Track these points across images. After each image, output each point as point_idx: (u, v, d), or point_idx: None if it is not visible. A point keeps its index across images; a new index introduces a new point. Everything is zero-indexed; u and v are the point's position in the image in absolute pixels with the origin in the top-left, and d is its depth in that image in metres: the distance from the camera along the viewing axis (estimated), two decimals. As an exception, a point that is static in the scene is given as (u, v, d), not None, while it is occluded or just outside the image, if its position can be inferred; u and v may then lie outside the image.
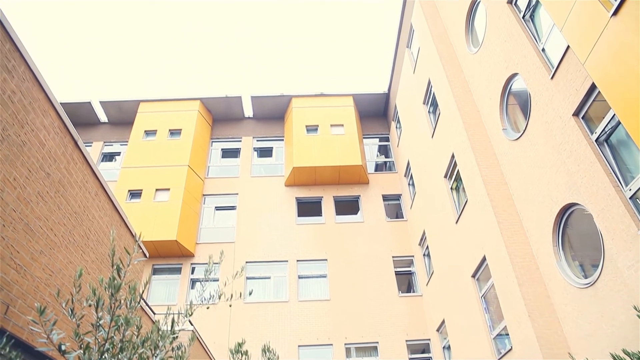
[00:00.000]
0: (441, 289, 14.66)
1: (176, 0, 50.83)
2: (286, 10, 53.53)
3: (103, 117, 22.53)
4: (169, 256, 17.78)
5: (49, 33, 51.05)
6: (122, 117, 22.32)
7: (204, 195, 19.91)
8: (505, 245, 9.86)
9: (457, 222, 12.87)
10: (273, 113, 22.62)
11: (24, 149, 4.48)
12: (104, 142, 21.86)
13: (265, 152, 21.90)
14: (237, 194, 19.91)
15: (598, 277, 7.44)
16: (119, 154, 21.65)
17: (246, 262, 17.64)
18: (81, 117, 21.93)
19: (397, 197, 19.98)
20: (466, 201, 12.12)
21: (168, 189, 18.57)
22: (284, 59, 56.27)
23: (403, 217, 19.19)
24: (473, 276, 11.88)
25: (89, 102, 21.70)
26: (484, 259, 11.19)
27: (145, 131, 20.81)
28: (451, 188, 13.61)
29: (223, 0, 51.63)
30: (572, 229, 8.64)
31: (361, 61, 57.35)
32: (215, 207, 19.69)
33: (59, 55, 51.81)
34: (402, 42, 18.53)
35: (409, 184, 18.97)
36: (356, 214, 19.59)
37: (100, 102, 21.74)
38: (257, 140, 22.08)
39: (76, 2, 49.04)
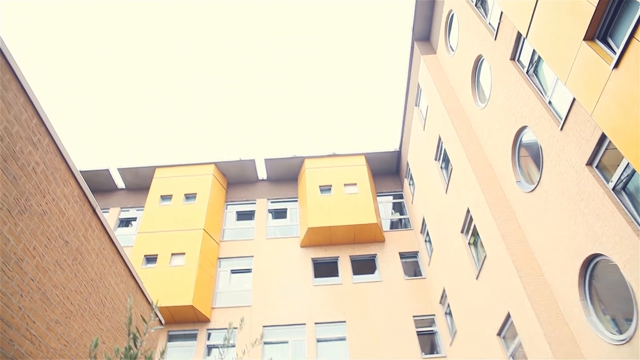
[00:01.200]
0: (466, 349, 14.03)
1: (185, 65, 53.27)
2: (293, 69, 55.60)
3: (120, 184, 23.02)
4: (184, 322, 17.45)
5: (67, 99, 53.46)
6: (139, 183, 22.78)
7: (219, 258, 19.83)
8: (530, 300, 9.51)
9: (477, 278, 12.53)
10: (286, 174, 22.92)
11: (44, 218, 4.57)
12: (121, 208, 22.20)
13: (279, 214, 21.97)
14: (252, 256, 19.79)
15: (634, 332, 7.08)
16: (135, 219, 21.90)
17: (263, 326, 17.21)
18: (99, 184, 22.45)
19: (414, 254, 19.66)
20: (485, 256, 11.87)
21: (183, 253, 18.55)
22: (294, 119, 57.71)
23: (421, 275, 18.77)
24: (499, 334, 11.39)
25: (107, 170, 22.28)
26: (508, 316, 10.77)
27: (161, 196, 21.14)
28: (469, 243, 13.39)
29: (231, 64, 53.95)
30: (599, 281, 8.35)
31: (371, 118, 58.58)
32: (231, 270, 19.53)
33: (77, 121, 53.91)
34: (411, 100, 19.00)
35: (425, 241, 18.72)
36: (373, 273, 19.23)
37: (118, 169, 22.31)
38: (272, 202, 22.23)
39: (89, 70, 51.67)
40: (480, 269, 12.27)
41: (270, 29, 53.11)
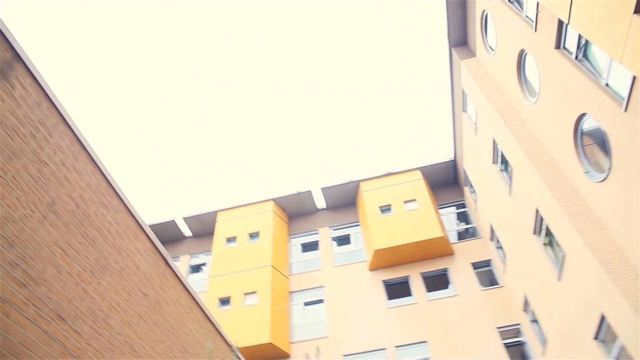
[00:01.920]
0: (561, 357, 13.10)
1: (223, 104, 55.18)
2: (329, 90, 56.16)
3: (187, 232, 23.96)
4: (264, 359, 17.59)
5: (123, 155, 56.72)
6: (204, 229, 23.60)
7: (291, 292, 19.96)
8: (624, 296, 8.81)
9: (559, 280, 11.80)
10: (344, 200, 22.96)
11: (122, 274, 4.84)
12: (190, 255, 23.02)
13: (343, 240, 21.93)
14: (322, 286, 19.77)
15: None
16: (204, 264, 22.61)
17: (343, 355, 17.00)
18: (167, 234, 23.47)
19: (487, 263, 18.87)
20: (563, 255, 11.19)
21: (255, 292, 18.85)
22: (342, 142, 57.93)
23: (498, 284, 17.92)
24: (595, 338, 10.57)
25: (173, 220, 23.30)
26: (602, 318, 10.00)
27: (226, 238, 21.75)
28: (544, 244, 12.70)
29: (267, 94, 55.32)
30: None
31: (418, 131, 57.74)
32: (304, 303, 19.58)
33: (137, 175, 56.94)
34: (457, 107, 18.64)
35: (497, 248, 17.95)
36: (447, 287, 18.60)
37: (183, 218, 23.28)
38: (334, 230, 22.27)
39: (135, 125, 54.74)
40: (560, 270, 11.57)
41: (297, 54, 54.32)
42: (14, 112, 3.77)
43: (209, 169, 57.85)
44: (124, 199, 5.26)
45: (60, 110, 4.40)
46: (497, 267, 18.29)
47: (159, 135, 55.08)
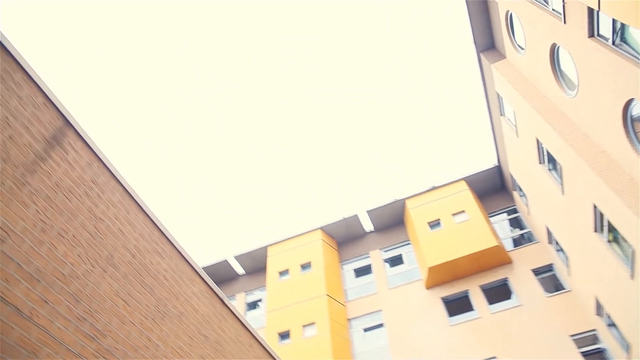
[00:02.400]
0: (647, 361, 12.17)
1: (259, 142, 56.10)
2: (359, 111, 56.20)
3: (240, 270, 24.27)
4: (331, 392, 17.27)
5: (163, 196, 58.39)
6: (256, 265, 23.85)
7: (349, 319, 19.69)
8: None
9: (632, 277, 11.07)
10: (392, 220, 22.70)
11: (182, 318, 4.95)
12: (245, 292, 23.24)
13: (396, 261, 21.57)
14: (380, 310, 19.41)
15: None
16: (260, 300, 22.74)
17: (410, 380, 16.48)
18: (221, 274, 23.85)
19: (549, 267, 17.99)
20: (633, 251, 10.52)
21: (314, 323, 18.72)
22: (381, 161, 57.57)
23: (564, 288, 17.00)
24: (681, 336, 9.79)
25: (225, 260, 23.68)
26: (685, 312, 9.27)
27: (279, 272, 21.86)
28: (608, 241, 12.01)
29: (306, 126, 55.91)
30: None
31: (455, 140, 56.67)
32: (363, 329, 19.25)
33: (183, 218, 58.42)
34: (494, 111, 18.25)
35: (557, 251, 17.11)
36: (510, 298, 17.81)
37: (235, 257, 23.63)
38: (385, 251, 21.97)
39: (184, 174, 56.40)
40: (632, 267, 10.86)
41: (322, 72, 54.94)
42: (69, 174, 4.01)
43: (253, 204, 58.80)
44: (176, 245, 5.42)
45: (110, 168, 4.64)
46: (560, 271, 17.40)
47: (199, 177, 56.73)
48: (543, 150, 14.59)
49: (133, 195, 4.89)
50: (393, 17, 50.65)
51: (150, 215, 5.08)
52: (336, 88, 54.73)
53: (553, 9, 11.40)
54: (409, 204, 21.71)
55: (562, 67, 12.23)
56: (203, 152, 56.04)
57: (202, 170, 56.65)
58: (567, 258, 16.17)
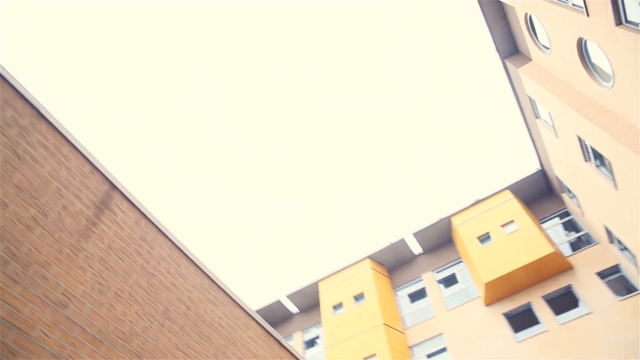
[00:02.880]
0: None
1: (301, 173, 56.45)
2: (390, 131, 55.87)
3: (293, 309, 24.14)
4: None
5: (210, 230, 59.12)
6: (308, 302, 23.68)
7: (410, 347, 19.09)
8: None
9: None
10: (440, 239, 22.20)
11: (242, 364, 4.94)
12: (302, 331, 23.01)
13: (450, 281, 20.94)
14: (441, 334, 18.74)
15: None
16: (317, 337, 22.44)
17: (484, 405, 15.65)
18: (275, 315, 23.79)
19: (615, 269, 16.96)
20: None
21: (374, 355, 18.25)
22: (421, 182, 56.78)
23: (637, 290, 15.92)
24: None
25: (278, 300, 23.65)
26: None
27: (332, 307, 21.60)
28: (675, 232, 11.27)
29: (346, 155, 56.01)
30: None
31: (493, 148, 55.35)
32: (427, 355, 18.58)
33: (230, 261, 58.89)
34: (529, 115, 17.82)
35: (620, 250, 16.16)
36: (577, 306, 16.83)
37: (287, 296, 23.57)
38: (437, 272, 21.40)
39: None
40: None
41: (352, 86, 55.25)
42: (119, 235, 4.17)
43: (297, 240, 58.92)
44: (228, 292, 5.48)
45: (156, 224, 4.80)
46: (628, 271, 16.37)
47: (239, 221, 57.53)
48: (587, 148, 14.05)
49: (181, 248, 5.02)
50: (416, 33, 51.01)
51: (199, 265, 5.18)
52: (368, 109, 55.04)
53: (573, 4, 11.21)
54: (455, 220, 21.21)
55: (593, 59, 11.89)
56: (236, 198, 57.07)
57: (242, 214, 57.54)
58: (634, 257, 15.24)
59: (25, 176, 3.44)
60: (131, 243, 4.28)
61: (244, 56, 51.08)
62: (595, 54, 11.54)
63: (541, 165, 20.01)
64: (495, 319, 17.84)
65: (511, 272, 17.59)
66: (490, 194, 21.18)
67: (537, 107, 16.68)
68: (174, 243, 4.95)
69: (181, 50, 50.58)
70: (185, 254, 5.05)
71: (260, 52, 51.14)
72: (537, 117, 17.22)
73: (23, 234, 3.21)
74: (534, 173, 20.60)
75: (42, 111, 3.88)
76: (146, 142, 53.50)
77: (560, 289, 17.40)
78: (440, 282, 21.03)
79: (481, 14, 15.86)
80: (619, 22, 9.69)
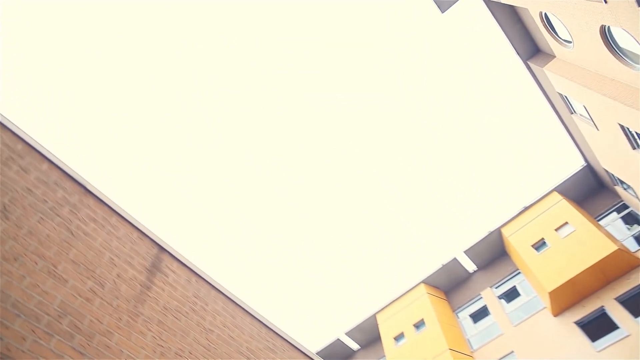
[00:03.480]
0: None
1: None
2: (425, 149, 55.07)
3: (354, 345, 23.59)
4: None
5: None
6: (368, 336, 23.12)
7: (481, 371, 18.20)
8: None
9: None
10: (493, 253, 21.44)
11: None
12: (368, 368, 22.39)
13: (511, 295, 20.04)
14: (512, 352, 17.79)
15: None
16: (384, 372, 21.76)
17: None
18: (336, 354, 23.30)
19: (690, 256, 15.83)
20: None
21: (445, 383, 17.49)
22: (462, 198, 55.47)
23: None
24: None
25: (338, 339, 23.20)
26: None
27: (394, 338, 20.99)
28: None
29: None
30: None
31: (529, 152, 53.69)
32: (500, 377, 17.65)
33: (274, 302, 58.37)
34: (563, 113, 17.32)
35: (691, 236, 15.12)
36: (657, 303, 15.70)
37: (345, 333, 23.11)
38: (496, 288, 20.56)
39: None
40: None
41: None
42: (173, 295, 4.25)
43: (348, 275, 58.20)
44: (286, 338, 5.44)
45: (207, 279, 4.87)
46: None
47: (284, 263, 57.49)
48: (632, 135, 13.46)
49: (235, 300, 5.05)
50: (439, 48, 51.19)
51: (255, 315, 5.19)
52: (403, 129, 54.95)
53: (588, -5, 11.02)
54: (506, 231, 20.48)
55: (621, 44, 11.55)
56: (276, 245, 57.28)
57: (289, 257, 57.57)
58: None
59: (80, 251, 3.59)
60: (185, 302, 4.35)
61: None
62: (622, 38, 11.22)
63: (586, 160, 19.24)
64: (567, 329, 16.83)
65: (575, 276, 16.67)
66: (537, 199, 20.43)
67: (571, 103, 16.22)
68: (227, 296, 4.99)
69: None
70: (240, 305, 5.08)
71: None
72: (572, 113, 16.71)
73: (84, 306, 3.33)
74: (579, 170, 19.79)
75: (88, 187, 4.08)
76: (187, 196, 54.96)
77: (634, 288, 16.30)
78: (501, 297, 20.15)
79: (495, 21, 15.81)
80: (640, 3, 9.42)
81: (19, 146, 3.75)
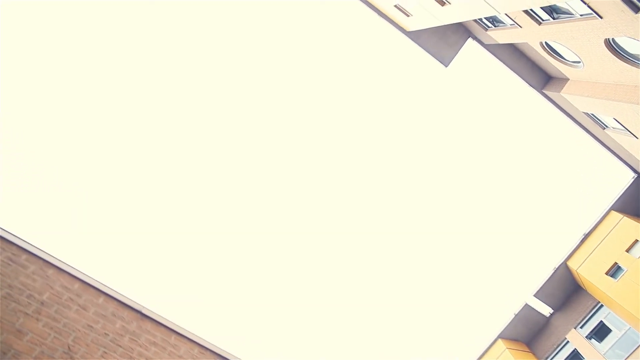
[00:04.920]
0: None
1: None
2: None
3: None
4: None
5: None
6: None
7: None
8: None
9: None
10: (565, 290, 20.03)
11: None
12: None
13: (601, 332, 18.28)
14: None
15: None
16: None
17: None
18: None
19: None
20: None
21: None
22: (519, 230, 53.14)
23: None
24: None
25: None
26: None
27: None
28: None
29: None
30: None
31: (570, 176, 51.77)
32: None
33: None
34: (595, 130, 16.93)
35: None
36: None
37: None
38: (581, 328, 18.91)
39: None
40: None
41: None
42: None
43: (423, 342, 54.94)
44: None
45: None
46: None
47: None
48: (674, 135, 12.91)
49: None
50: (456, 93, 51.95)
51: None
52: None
53: (581, 15, 11.18)
54: (572, 264, 19.23)
55: (630, 51, 11.47)
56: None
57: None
58: None
59: (146, 379, 3.50)
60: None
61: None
62: (629, 45, 11.16)
63: (635, 172, 18.40)
64: (676, 357, 15.08)
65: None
66: (595, 222, 19.34)
67: (599, 119, 15.87)
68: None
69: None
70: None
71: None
72: (604, 128, 16.30)
73: None
74: (632, 183, 18.86)
75: (145, 312, 4.08)
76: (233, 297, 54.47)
77: None
78: (589, 337, 18.42)
79: (500, 62, 16.10)
80: (637, 10, 9.46)
81: (76, 285, 3.83)
